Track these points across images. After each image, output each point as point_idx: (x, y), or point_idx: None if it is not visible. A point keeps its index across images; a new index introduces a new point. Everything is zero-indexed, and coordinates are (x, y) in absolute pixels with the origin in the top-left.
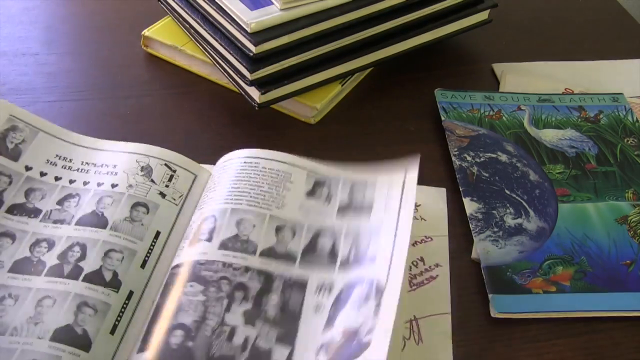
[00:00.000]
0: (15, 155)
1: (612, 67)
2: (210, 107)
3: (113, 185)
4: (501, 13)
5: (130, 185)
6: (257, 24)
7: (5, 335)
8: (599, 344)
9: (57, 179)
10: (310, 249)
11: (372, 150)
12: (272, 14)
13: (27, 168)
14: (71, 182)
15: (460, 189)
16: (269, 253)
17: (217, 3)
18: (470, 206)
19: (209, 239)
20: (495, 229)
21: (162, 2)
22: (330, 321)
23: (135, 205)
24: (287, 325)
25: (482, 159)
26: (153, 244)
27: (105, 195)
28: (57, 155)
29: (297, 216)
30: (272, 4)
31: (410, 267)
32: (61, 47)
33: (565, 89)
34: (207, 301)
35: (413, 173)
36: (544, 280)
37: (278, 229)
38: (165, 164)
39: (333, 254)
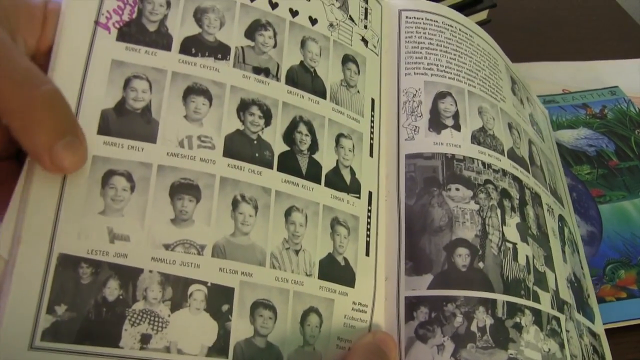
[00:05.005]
0: None
1: (611, 67)
2: None
3: (312, 20)
4: (500, 13)
5: (331, 25)
6: None
7: (266, 266)
8: None
9: None
10: (532, 160)
11: None
12: None
13: None
14: (252, 1)
15: None
16: (512, 155)
17: None
18: None
19: (456, 126)
20: None
21: None
22: (573, 252)
23: (345, 62)
24: (544, 245)
25: None
26: (372, 117)
27: (308, 37)
28: None
29: (516, 116)
30: None
31: None
32: None
33: (562, 90)
34: (481, 210)
35: None
36: (612, 287)
37: (510, 127)
38: None
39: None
